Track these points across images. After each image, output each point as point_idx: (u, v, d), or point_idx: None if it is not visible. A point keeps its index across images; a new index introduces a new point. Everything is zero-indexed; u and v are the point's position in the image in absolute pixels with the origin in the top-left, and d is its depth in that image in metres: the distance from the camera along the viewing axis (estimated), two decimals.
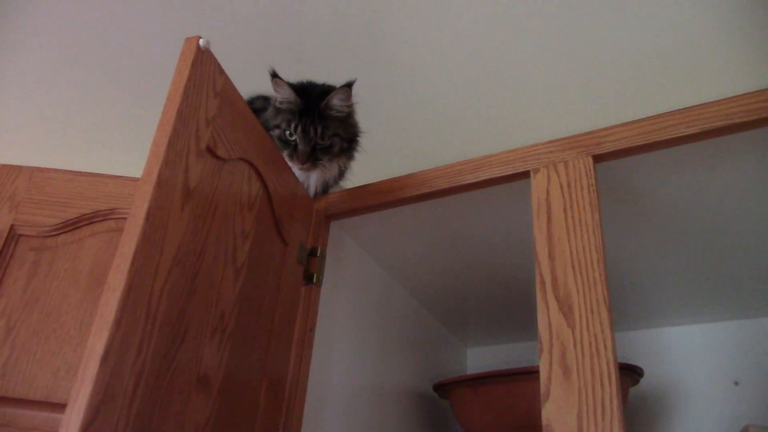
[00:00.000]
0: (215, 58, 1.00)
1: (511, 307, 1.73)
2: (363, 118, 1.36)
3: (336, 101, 1.25)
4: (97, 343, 0.75)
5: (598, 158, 1.12)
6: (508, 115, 1.66)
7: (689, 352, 1.72)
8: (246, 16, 1.61)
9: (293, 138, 1.24)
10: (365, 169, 1.38)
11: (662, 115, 1.07)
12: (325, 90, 1.29)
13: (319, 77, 1.36)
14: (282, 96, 1.26)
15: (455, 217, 1.34)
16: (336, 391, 1.29)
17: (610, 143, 1.11)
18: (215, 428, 0.94)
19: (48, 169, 1.29)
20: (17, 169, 1.29)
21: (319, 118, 1.24)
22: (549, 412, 0.94)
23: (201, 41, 0.95)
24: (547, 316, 1.01)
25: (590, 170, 1.10)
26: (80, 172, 1.26)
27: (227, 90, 1.03)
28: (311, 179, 1.30)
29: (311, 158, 1.24)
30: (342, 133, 1.27)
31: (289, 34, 1.63)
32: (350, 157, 1.34)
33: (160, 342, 0.83)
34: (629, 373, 1.43)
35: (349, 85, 1.25)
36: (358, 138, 1.34)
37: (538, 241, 1.08)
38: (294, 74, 1.31)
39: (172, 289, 0.87)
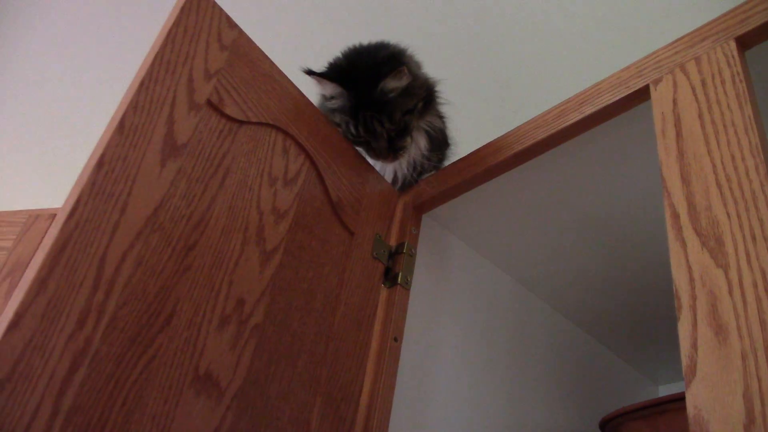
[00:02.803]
0: (221, 9, 0.86)
1: None
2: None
3: (391, 85, 1.01)
4: (11, 308, 0.58)
5: (743, 41, 0.78)
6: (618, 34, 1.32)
7: None
8: None
9: (361, 137, 1.03)
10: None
11: None
12: (373, 66, 1.03)
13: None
14: (328, 93, 1.04)
15: (572, 189, 1.03)
16: (445, 429, 0.99)
17: (761, 14, 0.77)
18: None
19: None
20: None
21: (377, 107, 1.01)
22: (697, 396, 0.60)
23: None
24: (685, 258, 0.67)
25: (734, 57, 0.76)
26: None
27: (241, 45, 0.88)
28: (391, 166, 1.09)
29: (392, 150, 1.03)
30: (410, 104, 1.04)
31: None
32: (437, 113, 1.10)
33: (123, 319, 0.65)
34: None
35: (400, 63, 1.01)
36: (434, 89, 1.10)
37: (664, 164, 0.75)
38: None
39: (147, 258, 0.69)
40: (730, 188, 0.67)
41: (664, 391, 1.56)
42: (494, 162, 0.99)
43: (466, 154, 1.06)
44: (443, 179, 1.06)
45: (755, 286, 0.61)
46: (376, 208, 1.04)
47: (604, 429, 1.18)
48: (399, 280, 1.00)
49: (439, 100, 1.12)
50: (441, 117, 1.17)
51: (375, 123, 1.01)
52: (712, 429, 0.57)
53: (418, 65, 1.11)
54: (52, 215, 1.21)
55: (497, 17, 1.63)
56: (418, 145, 1.08)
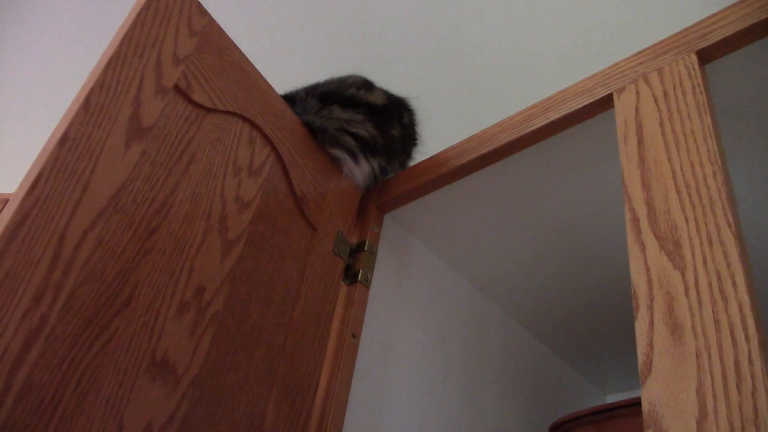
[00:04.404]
0: None
1: None
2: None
3: None
4: None
5: (704, 55, 0.81)
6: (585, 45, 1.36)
7: None
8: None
9: None
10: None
11: None
12: None
13: None
14: None
15: (534, 197, 1.05)
16: (399, 428, 0.99)
17: (720, 30, 0.80)
18: (184, 430, 0.70)
19: None
20: None
21: None
22: (652, 392, 0.61)
23: None
24: (644, 260, 0.69)
25: (694, 69, 0.79)
26: None
27: (211, 33, 0.87)
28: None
29: None
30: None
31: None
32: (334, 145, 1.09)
33: (80, 299, 0.63)
34: None
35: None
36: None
37: (626, 170, 0.77)
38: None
39: (108, 239, 0.67)
40: (689, 194, 0.70)
41: (612, 399, 1.59)
42: (459, 164, 1.00)
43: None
44: (407, 179, 1.07)
45: (710, 287, 0.63)
46: (339, 204, 1.04)
47: None
48: (359, 277, 1.00)
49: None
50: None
51: None
52: (666, 424, 0.58)
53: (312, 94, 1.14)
54: (4, 200, 1.18)
55: (469, 24, 1.65)
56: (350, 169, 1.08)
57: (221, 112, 0.86)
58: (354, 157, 1.07)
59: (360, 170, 1.08)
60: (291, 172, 0.95)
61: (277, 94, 0.97)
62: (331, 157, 1.05)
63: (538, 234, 1.13)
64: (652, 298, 0.66)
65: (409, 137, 1.17)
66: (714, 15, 0.81)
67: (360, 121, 1.09)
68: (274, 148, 0.93)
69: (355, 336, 0.96)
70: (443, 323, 1.16)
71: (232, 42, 0.90)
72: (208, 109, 0.84)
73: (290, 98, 1.09)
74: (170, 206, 0.76)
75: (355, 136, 1.06)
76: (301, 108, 1.08)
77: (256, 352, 0.82)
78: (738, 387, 0.56)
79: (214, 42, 0.87)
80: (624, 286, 1.21)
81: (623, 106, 0.83)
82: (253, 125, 0.90)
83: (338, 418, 0.88)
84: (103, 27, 1.75)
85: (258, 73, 0.94)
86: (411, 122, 1.17)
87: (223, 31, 0.89)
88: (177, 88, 0.80)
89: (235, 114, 0.88)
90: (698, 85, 0.77)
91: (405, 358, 1.05)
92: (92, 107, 0.69)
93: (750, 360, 0.57)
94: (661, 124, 0.77)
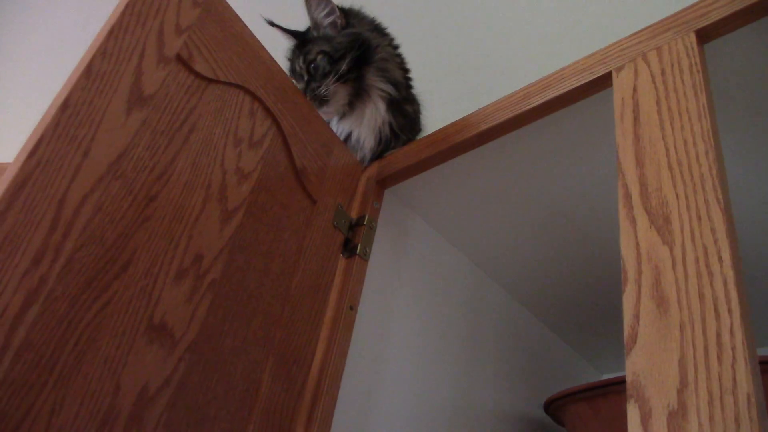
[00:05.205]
0: None
1: None
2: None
3: (316, 16, 1.10)
4: None
5: (703, 34, 0.81)
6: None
7: None
8: None
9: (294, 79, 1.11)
10: None
11: None
12: None
13: None
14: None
15: (532, 175, 1.06)
16: (394, 401, 1.01)
17: (720, 9, 0.80)
18: (181, 393, 0.72)
19: None
20: None
21: (303, 47, 1.11)
22: (636, 364, 0.62)
23: None
24: (634, 235, 0.70)
25: (693, 48, 0.79)
26: None
27: (213, 4, 0.88)
28: (345, 129, 1.10)
29: (309, 92, 1.08)
30: (329, 48, 1.08)
31: None
32: (381, 68, 1.10)
33: (80, 262, 0.65)
34: None
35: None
36: (370, 44, 1.10)
37: (621, 148, 0.78)
38: None
39: (107, 204, 0.69)
40: (681, 171, 0.70)
41: (607, 377, 1.60)
42: (459, 140, 1.00)
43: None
44: (408, 155, 1.08)
45: (697, 261, 0.63)
46: (339, 179, 1.05)
47: (547, 410, 1.22)
48: (358, 251, 1.01)
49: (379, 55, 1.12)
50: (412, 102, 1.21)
51: (296, 62, 1.10)
52: (648, 393, 0.59)
53: (366, 24, 1.16)
54: (4, 169, 1.19)
55: (469, 2, 1.65)
56: (377, 107, 1.09)
57: (223, 83, 0.87)
58: (381, 92, 1.09)
59: (378, 110, 1.10)
60: (292, 145, 0.96)
61: (279, 66, 0.97)
62: (364, 83, 1.09)
63: (537, 211, 1.14)
64: (640, 273, 0.67)
65: (414, 122, 1.19)
66: None
67: (399, 66, 1.13)
68: (275, 121, 0.94)
69: (353, 308, 0.97)
70: (441, 299, 1.17)
71: (235, 13, 0.91)
72: (209, 80, 0.85)
73: (346, 12, 1.14)
74: (170, 175, 0.77)
75: (393, 75, 1.10)
76: (356, 20, 1.12)
77: (253, 320, 0.84)
78: (719, 358, 0.57)
79: (217, 13, 0.88)
80: (618, 270, 1.22)
81: (621, 84, 0.83)
82: (255, 97, 0.91)
83: (334, 387, 0.90)
84: None
85: (260, 45, 0.94)
86: (417, 111, 1.20)
87: (226, 2, 0.90)
88: (179, 57, 0.81)
89: (236, 85, 0.89)
90: (696, 64, 0.78)
91: (402, 331, 1.06)
92: (94, 74, 0.70)
93: (731, 332, 0.58)
94: (658, 102, 0.78)
